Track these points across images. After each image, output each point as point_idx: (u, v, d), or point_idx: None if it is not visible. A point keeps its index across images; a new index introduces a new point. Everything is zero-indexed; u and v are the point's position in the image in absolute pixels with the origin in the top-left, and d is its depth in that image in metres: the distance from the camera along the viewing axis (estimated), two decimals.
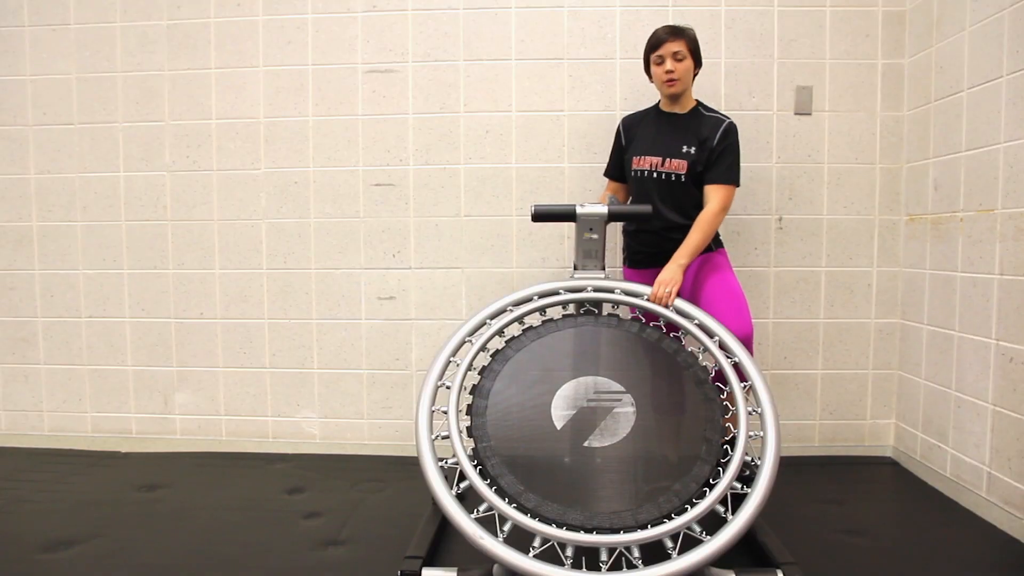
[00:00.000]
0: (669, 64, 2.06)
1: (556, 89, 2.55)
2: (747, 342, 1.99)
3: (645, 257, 2.21)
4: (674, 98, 2.13)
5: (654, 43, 2.08)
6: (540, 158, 2.56)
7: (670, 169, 2.10)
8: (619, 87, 2.53)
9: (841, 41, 2.49)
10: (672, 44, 2.05)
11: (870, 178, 2.52)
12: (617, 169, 2.29)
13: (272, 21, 2.59)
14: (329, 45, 2.58)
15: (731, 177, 2.07)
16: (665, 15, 2.50)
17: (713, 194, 2.06)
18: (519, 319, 1.94)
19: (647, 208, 2.05)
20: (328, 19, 2.58)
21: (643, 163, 2.15)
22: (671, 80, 2.07)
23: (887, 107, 2.50)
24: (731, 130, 2.09)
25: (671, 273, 1.96)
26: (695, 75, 2.14)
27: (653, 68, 2.12)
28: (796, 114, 2.51)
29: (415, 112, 2.58)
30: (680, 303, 1.94)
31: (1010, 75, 1.96)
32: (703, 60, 2.20)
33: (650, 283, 2.09)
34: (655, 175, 2.12)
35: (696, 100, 2.18)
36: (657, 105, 2.24)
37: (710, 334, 1.86)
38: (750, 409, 1.70)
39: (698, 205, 2.12)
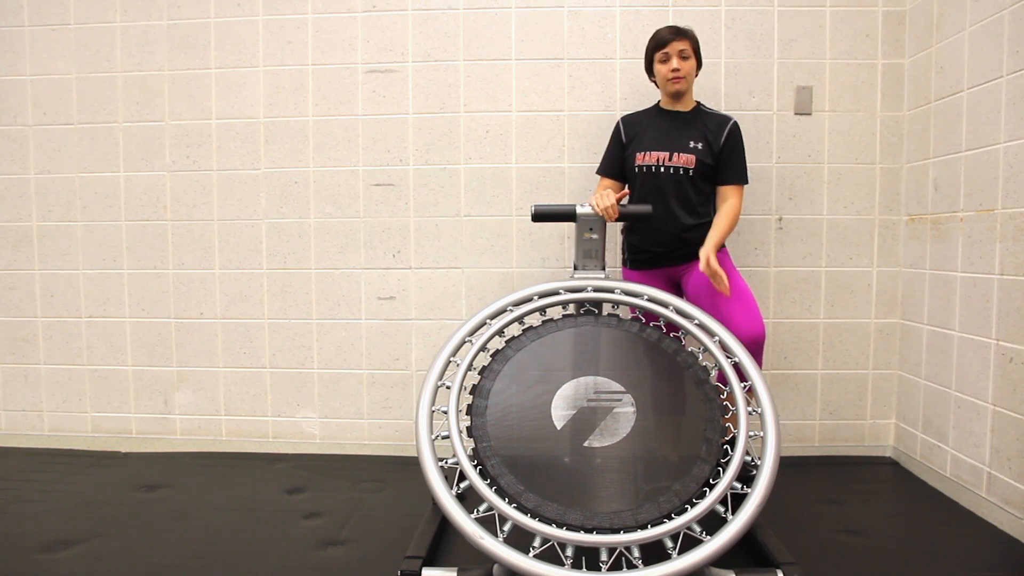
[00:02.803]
0: (675, 62, 2.08)
1: (556, 89, 2.55)
2: (760, 342, 1.99)
3: (652, 257, 2.20)
4: (677, 96, 2.15)
5: (659, 42, 2.09)
6: (540, 158, 2.56)
7: (678, 163, 2.11)
8: (619, 87, 2.53)
9: (841, 41, 2.49)
10: (678, 43, 2.07)
11: (870, 178, 2.52)
12: (615, 167, 2.25)
13: (272, 21, 2.59)
14: (329, 45, 2.58)
15: (744, 176, 2.15)
16: (665, 15, 2.50)
17: (731, 194, 2.13)
18: (519, 319, 1.94)
19: (647, 208, 2.05)
20: (328, 19, 2.58)
21: (649, 158, 2.14)
22: (676, 78, 2.09)
23: (887, 107, 2.50)
24: (737, 130, 2.14)
25: (710, 249, 1.98)
26: (696, 75, 2.18)
27: (657, 66, 2.13)
28: (796, 114, 2.51)
29: (415, 112, 2.58)
30: (680, 303, 1.94)
31: (1010, 75, 1.97)
32: (703, 60, 2.23)
33: (651, 284, 2.08)
34: (662, 169, 2.12)
35: (696, 100, 2.22)
36: (657, 104, 2.25)
37: (710, 334, 1.87)
38: (750, 409, 1.70)
39: (705, 202, 2.14)
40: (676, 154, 2.11)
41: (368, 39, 2.57)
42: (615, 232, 2.45)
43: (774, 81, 2.50)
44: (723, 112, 2.19)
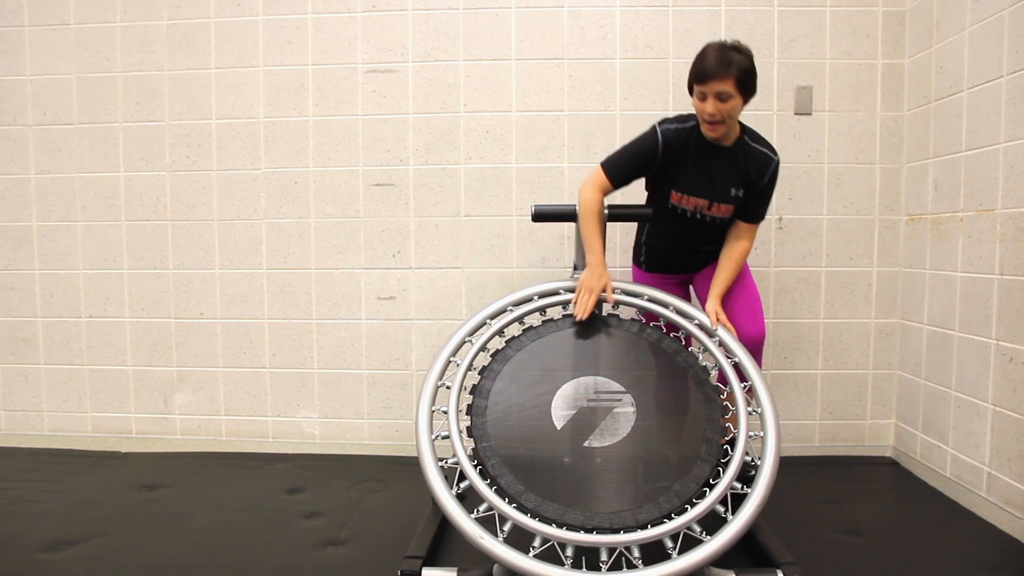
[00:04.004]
0: (711, 106, 1.77)
1: (556, 89, 2.55)
2: (760, 343, 1.98)
3: (668, 267, 2.13)
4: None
5: (700, 74, 1.77)
6: (540, 158, 2.56)
7: (716, 214, 1.94)
8: (619, 87, 2.53)
9: (841, 41, 2.49)
10: (718, 83, 1.73)
11: (870, 178, 2.52)
12: (629, 178, 1.98)
13: (272, 21, 2.59)
14: (329, 45, 2.58)
15: (765, 215, 2.00)
16: (665, 15, 2.50)
17: (746, 233, 1.98)
18: (519, 319, 1.94)
19: (648, 210, 2.04)
20: (328, 19, 2.58)
21: (687, 203, 1.93)
22: (713, 123, 1.81)
23: (887, 107, 2.50)
24: (777, 170, 1.92)
25: (716, 305, 1.94)
26: (746, 104, 1.83)
27: (695, 99, 1.83)
28: (796, 114, 2.51)
29: (415, 112, 2.58)
30: (680, 303, 1.94)
31: (1010, 75, 1.96)
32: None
33: (662, 287, 2.06)
34: (698, 216, 1.95)
35: (740, 124, 1.92)
36: (698, 128, 1.89)
37: (710, 334, 1.87)
38: (750, 409, 1.70)
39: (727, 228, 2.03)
40: (716, 204, 1.91)
41: (368, 39, 2.57)
42: (616, 232, 2.45)
43: (774, 81, 2.50)
44: (768, 145, 1.91)
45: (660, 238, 2.07)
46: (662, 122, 1.91)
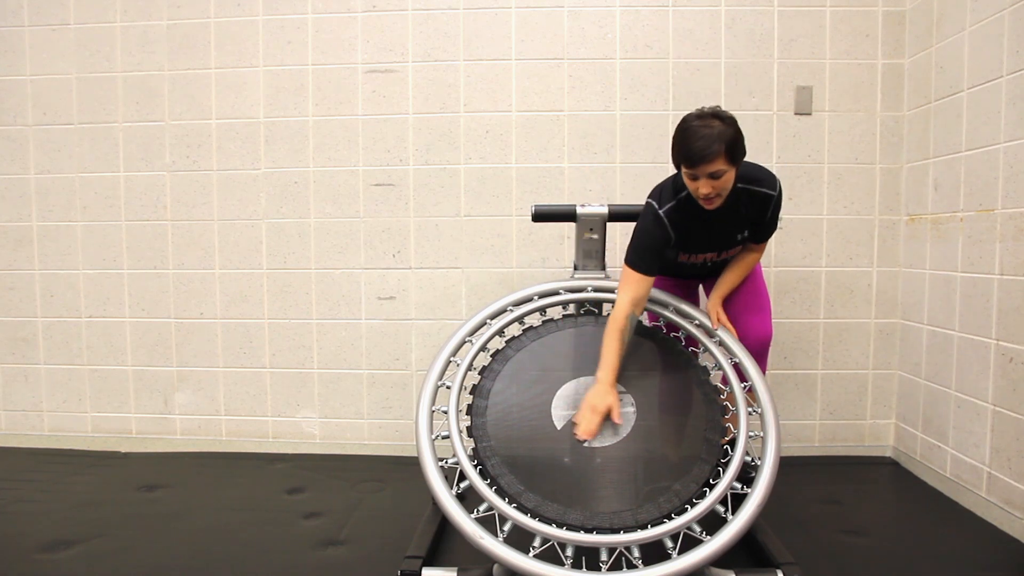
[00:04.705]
0: (706, 186, 1.67)
1: (556, 89, 2.55)
2: (766, 344, 1.98)
3: (679, 274, 2.12)
4: None
5: (687, 159, 1.65)
6: (540, 158, 2.56)
7: (726, 257, 1.96)
8: (619, 87, 2.53)
9: (841, 41, 2.49)
10: (708, 165, 1.63)
11: (870, 178, 2.52)
12: (659, 265, 1.86)
13: (272, 21, 2.59)
14: (329, 45, 2.58)
15: (774, 232, 1.95)
16: (665, 15, 2.50)
17: (757, 248, 1.97)
18: (519, 319, 1.94)
19: None
20: (328, 19, 2.58)
21: (695, 258, 1.95)
22: (708, 200, 1.71)
23: (887, 107, 2.50)
24: (780, 198, 1.83)
25: (717, 304, 1.94)
26: (740, 166, 1.73)
27: (686, 179, 1.71)
28: (796, 114, 2.51)
29: (415, 112, 2.58)
30: (680, 303, 1.95)
31: (1010, 75, 1.96)
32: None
33: (670, 288, 2.05)
34: (708, 264, 1.98)
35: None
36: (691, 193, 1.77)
37: (710, 335, 1.87)
38: (750, 409, 1.70)
39: None
40: (724, 252, 1.93)
41: (368, 39, 2.57)
42: (616, 232, 2.45)
43: (774, 81, 2.50)
44: (766, 180, 1.81)
45: (672, 269, 2.05)
46: (659, 201, 1.82)
